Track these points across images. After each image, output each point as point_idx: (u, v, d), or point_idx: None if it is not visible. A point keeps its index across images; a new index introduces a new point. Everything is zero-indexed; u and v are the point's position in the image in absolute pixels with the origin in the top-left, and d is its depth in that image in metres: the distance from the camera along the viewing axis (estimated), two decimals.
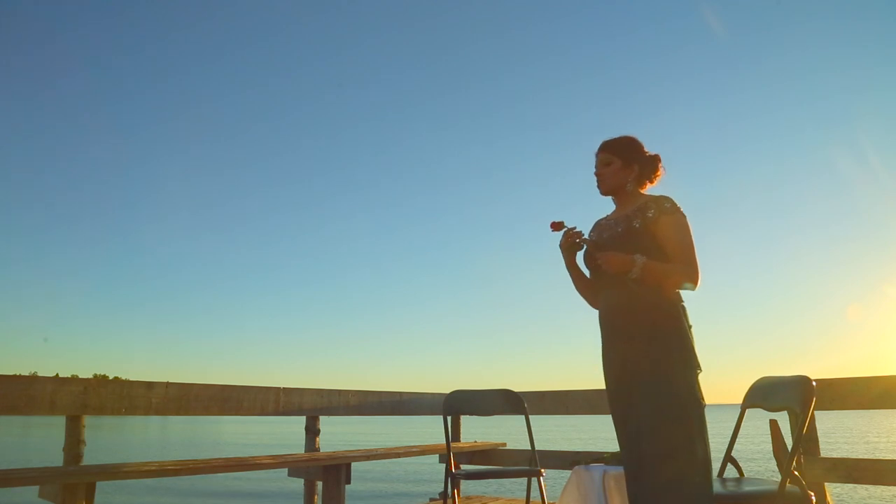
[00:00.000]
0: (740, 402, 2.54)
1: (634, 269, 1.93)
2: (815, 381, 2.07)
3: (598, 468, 2.79)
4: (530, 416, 3.53)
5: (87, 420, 3.07)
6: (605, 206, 2.27)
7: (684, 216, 2.03)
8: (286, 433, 27.84)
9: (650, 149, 2.20)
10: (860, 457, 3.84)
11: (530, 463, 3.58)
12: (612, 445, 2.36)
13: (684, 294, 2.03)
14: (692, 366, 1.92)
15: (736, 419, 2.56)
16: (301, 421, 4.18)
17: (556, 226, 2.16)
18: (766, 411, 2.39)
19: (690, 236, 2.01)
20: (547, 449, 4.23)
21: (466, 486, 4.98)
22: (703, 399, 1.91)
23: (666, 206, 2.03)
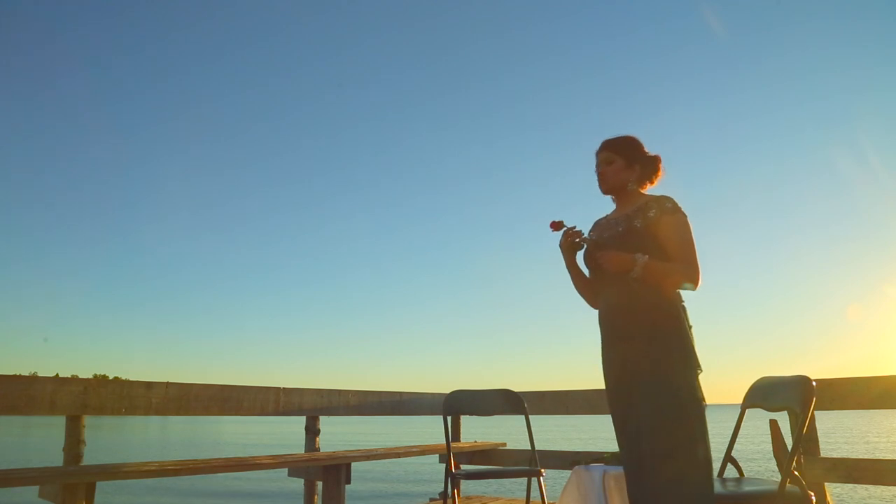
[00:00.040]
0: (740, 402, 2.54)
1: (636, 268, 1.93)
2: (815, 381, 2.07)
3: (598, 468, 2.79)
4: (530, 416, 3.53)
5: (87, 420, 3.07)
6: (605, 206, 2.27)
7: (685, 216, 2.03)
8: (286, 433, 27.84)
9: (650, 149, 2.20)
10: (860, 457, 3.84)
11: (530, 463, 3.58)
12: (612, 445, 2.36)
13: (684, 294, 2.03)
14: (692, 366, 1.92)
15: (736, 419, 2.56)
16: (301, 421, 4.18)
17: (556, 225, 2.16)
18: (766, 411, 2.39)
19: (691, 237, 2.01)
20: (547, 449, 4.23)
21: (466, 486, 4.98)
22: (704, 399, 1.90)
23: (667, 205, 2.03)
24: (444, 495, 3.64)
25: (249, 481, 12.33)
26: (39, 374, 3.09)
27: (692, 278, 1.96)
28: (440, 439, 3.59)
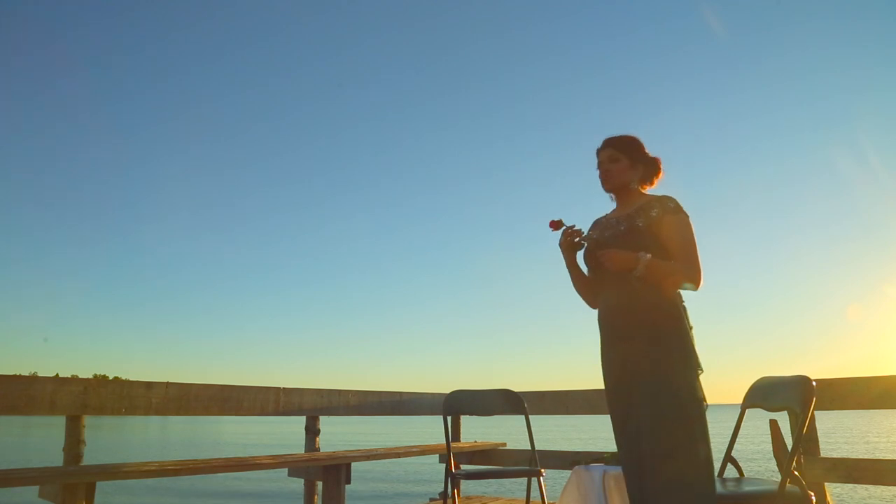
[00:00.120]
0: (740, 402, 2.54)
1: (639, 267, 1.92)
2: (815, 381, 2.07)
3: (598, 468, 2.80)
4: (530, 416, 3.53)
5: (87, 420, 3.07)
6: (605, 206, 2.27)
7: (688, 217, 2.03)
8: (286, 433, 27.83)
9: (650, 149, 2.20)
10: (860, 457, 3.84)
11: (530, 463, 3.58)
12: (612, 445, 2.36)
13: (685, 295, 2.03)
14: (693, 366, 1.91)
15: (736, 419, 2.56)
16: (301, 421, 4.18)
17: (555, 224, 2.15)
18: (766, 411, 2.39)
19: (693, 237, 2.01)
20: (547, 449, 4.23)
21: (466, 486, 4.98)
22: (704, 399, 1.90)
23: (670, 205, 2.03)
24: (444, 495, 3.64)
25: (249, 481, 12.34)
26: (39, 374, 3.09)
27: (694, 278, 1.95)
28: (440, 439, 3.59)
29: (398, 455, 4.11)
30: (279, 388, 3.92)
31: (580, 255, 2.20)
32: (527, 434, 3.51)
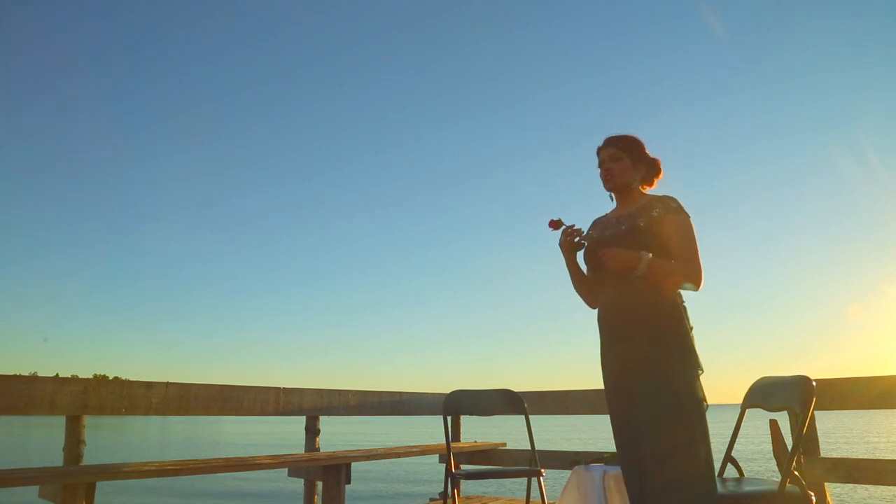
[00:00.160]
0: (740, 402, 2.54)
1: (640, 266, 1.92)
2: (815, 381, 2.07)
3: (598, 468, 2.80)
4: (530, 416, 3.53)
5: (87, 420, 3.07)
6: (605, 206, 2.27)
7: (689, 217, 2.03)
8: (286, 433, 27.82)
9: (650, 149, 2.20)
10: (860, 457, 3.84)
11: (530, 463, 3.58)
12: (612, 445, 2.36)
13: (685, 295, 2.03)
14: (693, 366, 1.91)
15: (736, 419, 2.56)
16: (301, 421, 4.18)
17: (555, 224, 2.14)
18: (766, 411, 2.39)
19: (694, 237, 2.01)
20: (547, 449, 4.23)
21: (466, 486, 4.98)
22: (705, 399, 1.90)
23: (671, 205, 2.03)
24: (444, 495, 3.64)
25: (249, 481, 12.33)
26: (39, 374, 3.09)
27: (694, 279, 1.95)
28: (440, 439, 3.59)
29: (398, 455, 4.11)
30: (279, 388, 3.92)
31: (580, 255, 2.19)
32: (527, 434, 3.51)
